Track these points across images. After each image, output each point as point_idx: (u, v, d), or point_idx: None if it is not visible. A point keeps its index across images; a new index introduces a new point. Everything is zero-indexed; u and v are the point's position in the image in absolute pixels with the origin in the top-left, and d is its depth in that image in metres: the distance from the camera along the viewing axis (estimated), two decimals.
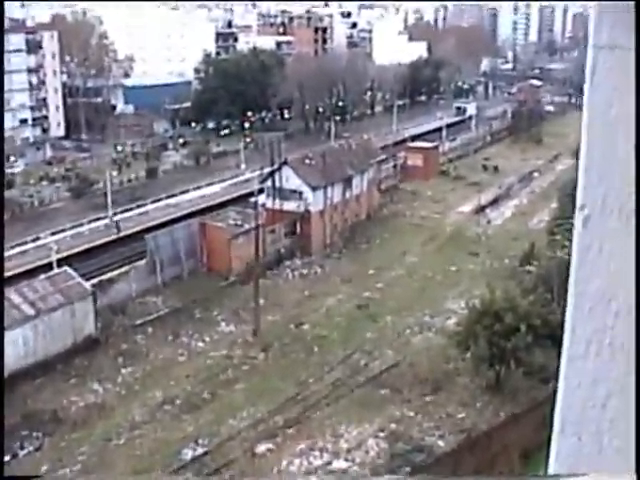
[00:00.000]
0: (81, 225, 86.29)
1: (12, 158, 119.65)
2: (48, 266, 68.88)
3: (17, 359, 56.35)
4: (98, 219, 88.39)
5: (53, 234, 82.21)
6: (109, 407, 53.15)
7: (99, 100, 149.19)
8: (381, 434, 45.76)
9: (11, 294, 59.15)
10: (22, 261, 76.68)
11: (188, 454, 45.85)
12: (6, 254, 78.76)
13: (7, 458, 48.42)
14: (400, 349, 57.79)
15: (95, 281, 66.80)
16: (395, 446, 44.21)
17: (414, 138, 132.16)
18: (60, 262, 69.01)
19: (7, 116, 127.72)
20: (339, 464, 42.74)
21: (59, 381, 56.35)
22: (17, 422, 51.52)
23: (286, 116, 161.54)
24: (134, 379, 56.43)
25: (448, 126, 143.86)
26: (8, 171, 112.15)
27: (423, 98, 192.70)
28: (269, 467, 43.14)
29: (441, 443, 44.44)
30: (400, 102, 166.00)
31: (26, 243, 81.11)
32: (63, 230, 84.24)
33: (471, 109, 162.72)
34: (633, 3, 2.63)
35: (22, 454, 49.01)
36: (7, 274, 71.41)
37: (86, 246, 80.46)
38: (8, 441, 49.76)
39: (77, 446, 48.75)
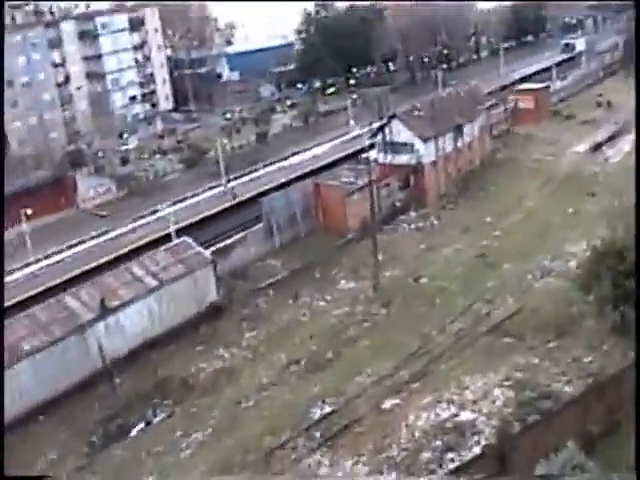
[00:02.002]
0: (197, 194, 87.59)
1: (125, 135, 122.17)
2: (167, 237, 70.20)
3: (145, 330, 57.89)
4: (213, 187, 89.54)
5: (170, 205, 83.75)
6: (236, 371, 54.10)
7: (204, 70, 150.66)
8: (506, 383, 45.12)
9: (134, 267, 60.62)
10: (142, 234, 78.44)
11: (316, 413, 46.18)
12: (128, 227, 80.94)
13: (142, 426, 50.07)
14: (521, 296, 56.81)
15: (214, 248, 67.79)
16: (521, 394, 43.53)
17: (523, 80, 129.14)
18: (179, 232, 70.28)
19: (117, 95, 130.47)
20: (466, 415, 42.39)
21: (186, 349, 57.67)
22: (149, 390, 53.12)
23: (391, 69, 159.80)
24: (259, 342, 57.25)
25: (557, 64, 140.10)
26: (122, 148, 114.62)
27: (530, 38, 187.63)
28: (396, 423, 43.13)
29: (568, 389, 43.56)
30: (506, 45, 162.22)
31: (144, 216, 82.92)
32: (179, 201, 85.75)
33: (580, 44, 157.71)
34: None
35: (156, 421, 50.51)
36: (131, 247, 73.41)
37: (203, 215, 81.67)
38: (142, 409, 51.38)
39: (208, 411, 49.86)
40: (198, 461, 45.03)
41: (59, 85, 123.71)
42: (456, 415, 42.78)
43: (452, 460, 38.47)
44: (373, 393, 47.27)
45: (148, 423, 50.20)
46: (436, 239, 71.22)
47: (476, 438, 39.97)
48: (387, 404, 45.87)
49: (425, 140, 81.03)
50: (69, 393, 52.97)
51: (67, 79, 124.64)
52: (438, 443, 40.11)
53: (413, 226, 75.86)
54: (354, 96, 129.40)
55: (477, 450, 38.71)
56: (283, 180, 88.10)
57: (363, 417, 44.79)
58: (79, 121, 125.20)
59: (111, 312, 56.41)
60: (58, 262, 75.89)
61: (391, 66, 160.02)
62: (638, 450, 31.79)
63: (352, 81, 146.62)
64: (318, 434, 43.95)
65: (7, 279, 71.73)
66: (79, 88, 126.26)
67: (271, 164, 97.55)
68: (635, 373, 37.78)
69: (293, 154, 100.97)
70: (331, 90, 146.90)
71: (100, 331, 55.66)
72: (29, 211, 78.39)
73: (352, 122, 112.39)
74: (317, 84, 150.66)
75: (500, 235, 69.47)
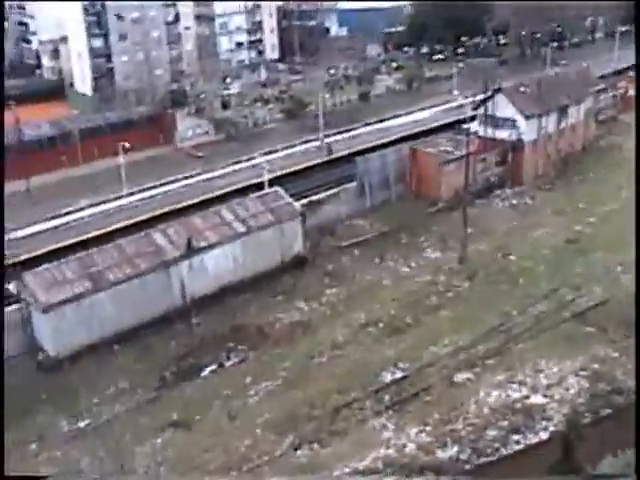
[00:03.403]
0: (293, 146, 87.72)
1: (228, 80, 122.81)
2: (260, 185, 70.55)
3: (227, 274, 58.45)
4: (310, 141, 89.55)
5: (265, 154, 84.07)
6: (313, 326, 54.33)
7: (313, 23, 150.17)
8: (582, 372, 44.31)
9: (223, 211, 61.11)
10: (235, 179, 79.06)
11: (387, 377, 46.12)
12: (221, 171, 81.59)
13: (214, 367, 50.76)
14: (609, 286, 55.54)
15: (305, 202, 67.91)
16: (596, 386, 42.76)
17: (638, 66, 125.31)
18: (272, 182, 70.52)
19: (224, 39, 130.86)
20: (537, 399, 41.87)
21: (266, 297, 58.12)
22: (225, 334, 53.73)
23: (501, 42, 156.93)
24: (339, 299, 57.32)
25: None
26: (224, 92, 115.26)
27: None
28: (466, 397, 42.86)
29: None
30: (623, 28, 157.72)
31: (240, 162, 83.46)
32: (275, 150, 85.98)
33: None
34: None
35: (228, 364, 51.14)
36: (222, 191, 73.99)
37: (297, 167, 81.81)
38: (216, 351, 52.04)
39: (280, 361, 50.24)
40: (264, 409, 45.47)
41: (168, 24, 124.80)
42: (527, 397, 42.29)
43: (517, 442, 38.07)
44: (446, 364, 46.99)
45: (220, 365, 50.89)
46: (528, 219, 70.12)
47: (544, 423, 39.45)
48: (459, 377, 45.56)
49: (528, 117, 79.52)
50: (147, 327, 53.97)
51: (176, 18, 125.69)
52: (505, 423, 39.70)
53: (506, 203, 74.80)
54: (460, 65, 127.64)
55: (544, 435, 38.24)
56: (380, 142, 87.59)
57: (433, 387, 44.59)
58: (184, 61, 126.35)
59: (196, 252, 57.09)
60: (149, 197, 77.03)
61: (501, 39, 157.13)
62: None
63: (460, 50, 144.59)
64: (386, 398, 43.94)
65: (100, 209, 73.30)
66: (187, 29, 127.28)
67: (370, 124, 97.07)
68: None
69: (393, 117, 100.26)
70: (438, 57, 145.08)
71: (184, 270, 56.43)
72: (127, 144, 79.58)
73: (456, 91, 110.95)
74: (424, 49, 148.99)
75: (594, 222, 67.99)
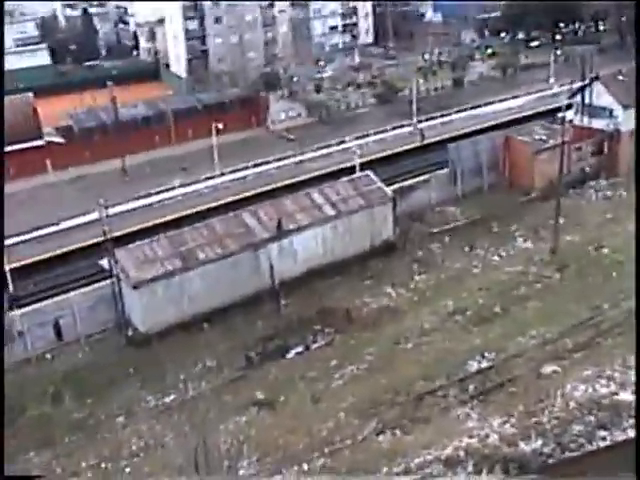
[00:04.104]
0: (385, 131, 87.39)
1: (321, 63, 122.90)
2: (351, 169, 70.49)
3: (316, 257, 58.60)
4: (402, 126, 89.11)
5: (357, 138, 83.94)
6: (400, 311, 54.11)
7: (407, 8, 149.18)
8: None
9: (314, 194, 61.23)
10: (326, 163, 79.16)
11: (473, 366, 45.67)
12: (313, 154, 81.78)
13: (300, 349, 51.02)
14: None
15: (395, 187, 67.61)
16: None
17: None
18: (362, 166, 70.38)
19: (318, 23, 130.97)
20: (625, 396, 40.98)
21: (354, 282, 58.09)
22: (312, 316, 53.91)
23: (600, 28, 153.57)
24: (427, 286, 56.98)
25: None
26: (317, 76, 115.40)
27: None
28: (552, 390, 42.21)
29: None
30: None
31: (331, 146, 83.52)
32: (367, 135, 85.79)
33: None
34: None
35: (314, 347, 51.32)
36: (313, 174, 74.16)
37: (388, 152, 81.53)
38: (302, 333, 52.27)
39: (366, 346, 50.15)
40: (348, 393, 45.50)
41: (263, 7, 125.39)
42: (615, 394, 41.38)
43: (603, 438, 37.31)
44: (533, 356, 46.32)
45: (306, 348, 51.10)
46: (623, 211, 68.41)
47: (632, 421, 38.63)
48: (546, 369, 44.88)
49: (626, 107, 77.60)
50: (235, 307, 54.48)
51: (271, 2, 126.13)
52: (591, 418, 38.85)
53: (601, 194, 73.24)
54: (558, 52, 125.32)
55: (631, 433, 37.42)
56: (473, 129, 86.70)
57: (519, 378, 44.04)
58: (278, 44, 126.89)
59: (286, 234, 57.38)
60: (241, 179, 77.68)
61: (600, 25, 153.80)
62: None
63: (557, 36, 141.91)
64: (471, 387, 43.55)
65: (192, 188, 74.26)
66: (282, 12, 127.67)
67: (463, 111, 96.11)
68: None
69: (486, 104, 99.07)
70: (534, 43, 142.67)
71: (273, 251, 56.80)
72: (220, 125, 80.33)
73: (552, 79, 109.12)
74: (520, 35, 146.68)
75: None
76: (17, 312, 55.01)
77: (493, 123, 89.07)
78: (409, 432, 41.47)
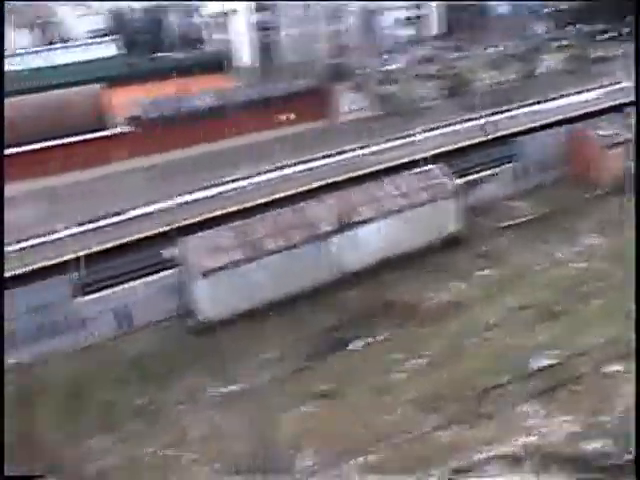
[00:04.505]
0: (451, 124, 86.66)
1: (388, 56, 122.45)
2: (417, 162, 70.13)
3: (379, 250, 58.50)
4: (469, 119, 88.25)
5: (424, 131, 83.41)
6: (463, 306, 53.83)
7: (477, 1, 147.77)
8: None
9: (379, 187, 61.16)
10: (392, 155, 78.79)
11: (537, 363, 45.41)
12: (378, 147, 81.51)
13: (363, 342, 51.04)
14: None
15: (461, 181, 67.10)
16: None
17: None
18: (429, 159, 69.98)
19: (385, 15, 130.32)
20: None
21: (417, 275, 57.84)
22: (374, 309, 53.94)
23: None
24: (491, 281, 56.55)
25: None
26: (384, 68, 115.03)
27: None
28: (615, 389, 41.79)
29: None
30: None
31: (397, 138, 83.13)
32: (434, 128, 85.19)
33: None
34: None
35: (377, 339, 51.34)
36: (378, 167, 73.91)
37: (455, 145, 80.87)
38: (365, 325, 52.29)
39: (428, 340, 50.13)
40: (410, 387, 45.53)
41: None
42: None
43: None
44: (597, 354, 45.87)
45: (370, 340, 51.10)
46: None
47: None
48: (610, 368, 44.47)
49: None
50: (299, 298, 54.67)
51: None
52: None
53: None
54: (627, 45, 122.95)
55: None
56: (541, 123, 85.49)
57: (583, 376, 43.68)
58: (344, 36, 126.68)
59: (350, 227, 57.37)
60: (306, 170, 77.73)
61: None
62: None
63: (627, 29, 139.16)
64: (535, 384, 43.30)
65: (257, 179, 74.57)
66: (350, 2, 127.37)
67: (531, 105, 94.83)
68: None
69: (554, 98, 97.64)
70: (606, 36, 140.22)
71: (337, 243, 56.84)
72: (287, 117, 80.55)
73: (621, 73, 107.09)
74: (591, 28, 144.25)
75: None
76: (84, 299, 55.86)
77: (561, 117, 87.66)
78: (471, 428, 41.43)
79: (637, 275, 43.47)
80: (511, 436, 38.37)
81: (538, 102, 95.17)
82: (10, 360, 45.81)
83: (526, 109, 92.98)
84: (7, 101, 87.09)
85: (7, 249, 63.94)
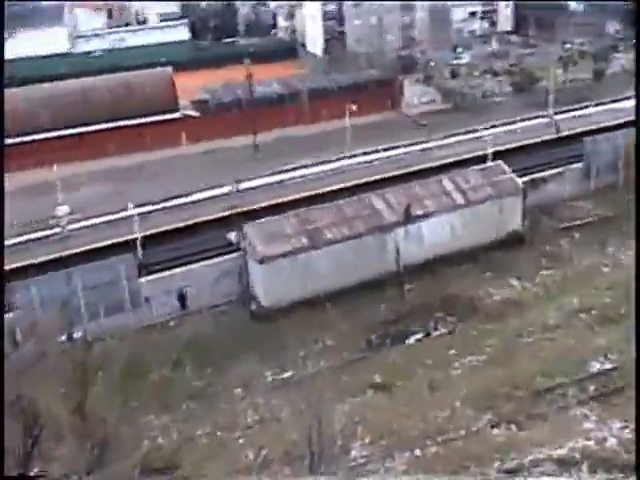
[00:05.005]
0: (519, 121, 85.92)
1: (459, 50, 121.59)
2: (482, 158, 69.69)
3: (442, 245, 58.26)
4: (537, 117, 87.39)
5: (491, 126, 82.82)
6: (524, 305, 53.39)
7: None
8: None
9: (443, 180, 60.84)
10: (457, 150, 78.44)
11: (595, 366, 44.77)
12: (444, 141, 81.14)
13: (420, 335, 50.93)
14: None
15: (526, 179, 66.42)
16: None
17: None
18: (495, 155, 69.47)
19: (457, 8, 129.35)
20: None
21: (479, 272, 57.60)
22: (434, 303, 53.72)
23: None
24: (553, 282, 56.00)
25: None
26: (454, 62, 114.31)
27: None
28: None
29: None
30: None
31: (463, 133, 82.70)
32: (501, 124, 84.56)
33: None
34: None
35: (435, 334, 51.23)
36: (443, 161, 73.65)
37: (522, 142, 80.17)
38: (424, 319, 52.13)
39: (487, 337, 49.77)
40: (466, 383, 45.24)
41: None
42: None
43: None
44: None
45: (427, 334, 51.01)
46: None
47: None
48: None
49: None
50: (359, 289, 54.65)
51: None
52: None
53: None
54: None
55: None
56: (611, 123, 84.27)
57: None
58: (416, 28, 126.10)
59: (414, 220, 57.21)
60: (370, 161, 77.74)
61: None
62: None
63: None
64: (592, 388, 42.72)
65: (321, 168, 74.81)
66: None
67: (602, 104, 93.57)
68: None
69: (626, 98, 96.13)
70: None
71: (400, 235, 56.75)
72: (354, 107, 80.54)
73: None
74: None
75: None
76: (145, 278, 56.56)
77: (633, 118, 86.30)
78: (524, 428, 41.04)
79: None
80: (565, 439, 37.94)
81: (609, 102, 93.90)
82: (74, 335, 46.67)
83: (596, 108, 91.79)
84: (80, 81, 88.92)
85: (73, 226, 65.32)
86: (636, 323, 35.88)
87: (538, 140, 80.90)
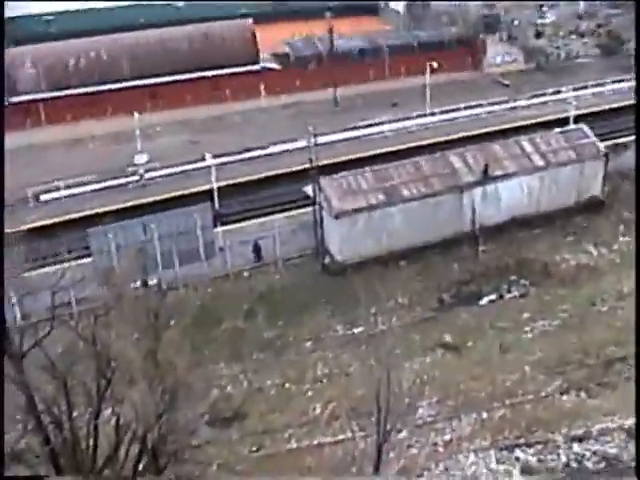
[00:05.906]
0: (604, 84, 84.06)
1: (544, 8, 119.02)
2: (564, 121, 68.45)
3: (519, 207, 57.58)
4: (622, 80, 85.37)
5: (574, 89, 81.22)
6: (599, 271, 52.77)
7: None
8: None
9: (524, 142, 59.91)
10: (539, 112, 77.21)
11: None
12: (526, 102, 79.87)
13: (493, 297, 50.60)
14: None
15: (609, 143, 65.04)
16: None
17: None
18: (577, 119, 68.16)
19: None
20: None
21: (555, 236, 56.88)
22: (509, 266, 53.33)
23: None
24: (630, 249, 54.67)
25: None
26: (539, 21, 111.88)
27: None
28: None
29: None
30: None
31: (546, 94, 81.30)
32: (585, 87, 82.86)
33: None
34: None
35: (508, 297, 50.89)
36: (524, 122, 72.48)
37: (605, 106, 78.54)
38: (497, 281, 51.73)
39: (560, 302, 49.36)
40: (537, 348, 45.08)
41: None
42: None
43: None
44: None
45: (500, 296, 50.70)
46: None
47: None
48: None
49: None
50: (433, 247, 54.52)
51: None
52: None
53: None
54: None
55: None
56: None
57: None
58: None
59: (492, 180, 56.52)
60: (450, 120, 76.97)
61: None
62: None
63: None
64: None
65: (401, 125, 74.35)
66: None
67: None
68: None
69: None
70: None
71: (477, 196, 56.15)
72: (435, 64, 79.64)
73: None
74: None
75: None
76: (220, 229, 57.06)
77: None
78: (594, 396, 40.84)
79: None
80: (633, 409, 37.57)
81: None
82: (149, 282, 47.38)
83: None
84: (160, 31, 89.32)
85: (151, 174, 66.11)
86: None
87: (622, 104, 79.02)
